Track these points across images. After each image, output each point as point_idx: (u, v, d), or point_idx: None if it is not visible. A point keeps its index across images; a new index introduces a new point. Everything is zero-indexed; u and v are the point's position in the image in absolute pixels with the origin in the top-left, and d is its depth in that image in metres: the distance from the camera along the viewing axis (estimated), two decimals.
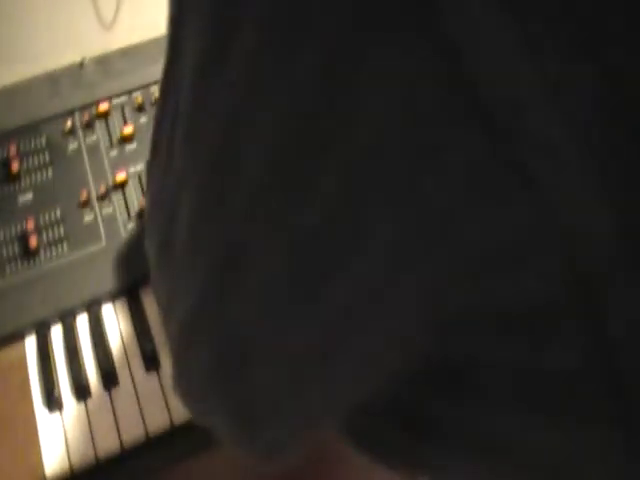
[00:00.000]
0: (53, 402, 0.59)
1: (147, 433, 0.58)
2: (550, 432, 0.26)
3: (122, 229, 0.68)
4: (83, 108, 0.74)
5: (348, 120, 0.19)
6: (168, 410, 0.59)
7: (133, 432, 0.58)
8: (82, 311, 0.65)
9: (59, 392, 0.60)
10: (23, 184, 0.69)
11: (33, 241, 0.66)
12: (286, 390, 0.27)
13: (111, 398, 0.60)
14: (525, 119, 0.18)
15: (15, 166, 0.69)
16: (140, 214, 0.69)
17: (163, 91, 0.30)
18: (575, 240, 0.20)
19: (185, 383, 0.33)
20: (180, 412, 0.59)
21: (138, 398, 0.60)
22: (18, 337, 0.63)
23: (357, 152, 0.20)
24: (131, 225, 0.68)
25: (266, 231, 0.23)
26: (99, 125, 0.73)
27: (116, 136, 0.73)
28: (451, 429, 0.29)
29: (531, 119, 0.18)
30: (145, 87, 0.75)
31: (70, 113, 0.74)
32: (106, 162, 0.71)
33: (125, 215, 0.68)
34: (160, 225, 0.31)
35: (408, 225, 0.20)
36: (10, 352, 0.63)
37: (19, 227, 0.67)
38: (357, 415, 0.32)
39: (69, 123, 0.73)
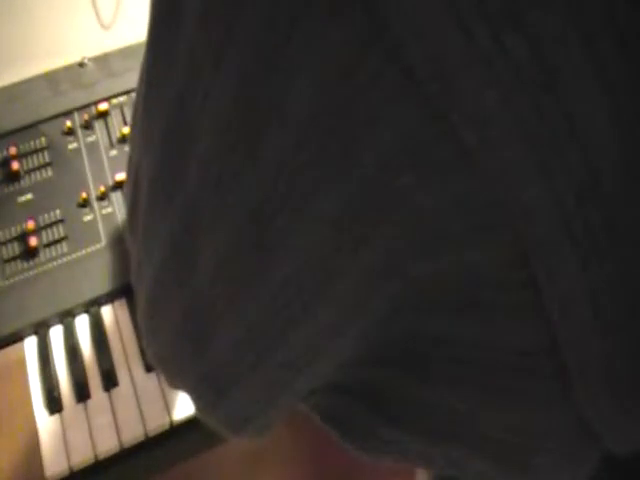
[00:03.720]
0: (53, 402, 0.59)
1: (147, 433, 0.58)
2: (503, 412, 0.26)
3: (122, 229, 0.68)
4: (83, 108, 0.74)
5: (284, 94, 0.20)
6: (167, 410, 0.59)
7: (133, 432, 0.58)
8: (82, 311, 0.65)
9: (59, 393, 0.60)
10: (23, 184, 0.69)
11: (33, 241, 0.66)
12: (245, 358, 0.27)
13: (111, 398, 0.60)
14: (456, 89, 0.18)
15: (15, 166, 0.69)
16: None
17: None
18: (512, 213, 0.20)
19: (155, 349, 0.33)
20: (180, 412, 0.59)
21: (138, 398, 0.60)
22: (18, 337, 0.63)
23: (291, 129, 0.20)
24: None
25: (216, 200, 0.23)
26: (98, 125, 0.73)
27: (115, 136, 0.73)
28: (410, 408, 0.29)
29: (462, 89, 0.18)
30: None
31: (70, 113, 0.74)
32: (105, 162, 0.71)
33: (124, 215, 0.68)
34: (128, 191, 0.32)
35: (351, 200, 0.21)
36: (10, 352, 0.63)
37: (19, 227, 0.67)
38: (319, 394, 0.32)
39: (69, 123, 0.73)
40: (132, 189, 0.31)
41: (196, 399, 0.32)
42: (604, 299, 0.21)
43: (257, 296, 0.24)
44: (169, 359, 0.32)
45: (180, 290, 0.27)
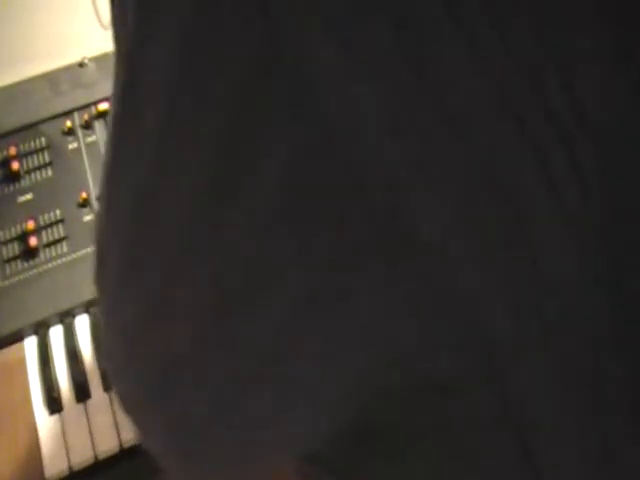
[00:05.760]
0: (53, 402, 0.59)
1: None
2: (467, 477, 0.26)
3: None
4: (83, 108, 0.74)
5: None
6: None
7: (133, 432, 0.58)
8: (82, 311, 0.65)
9: (59, 392, 0.60)
10: (23, 184, 0.69)
11: (33, 241, 0.66)
12: (209, 418, 0.27)
13: (111, 398, 0.60)
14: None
15: (15, 166, 0.69)
16: None
17: None
18: (469, 306, 0.20)
19: (124, 400, 0.33)
20: None
21: None
22: (18, 337, 0.63)
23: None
24: None
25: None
26: (98, 125, 0.73)
27: None
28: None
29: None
30: None
31: (70, 113, 0.74)
32: None
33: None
34: (96, 254, 0.31)
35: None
36: (10, 352, 0.63)
37: (19, 227, 0.67)
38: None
39: (69, 123, 0.73)
40: (98, 259, 0.30)
41: (167, 456, 0.31)
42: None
43: (231, 353, 0.24)
44: (140, 411, 0.31)
45: (150, 351, 0.27)
